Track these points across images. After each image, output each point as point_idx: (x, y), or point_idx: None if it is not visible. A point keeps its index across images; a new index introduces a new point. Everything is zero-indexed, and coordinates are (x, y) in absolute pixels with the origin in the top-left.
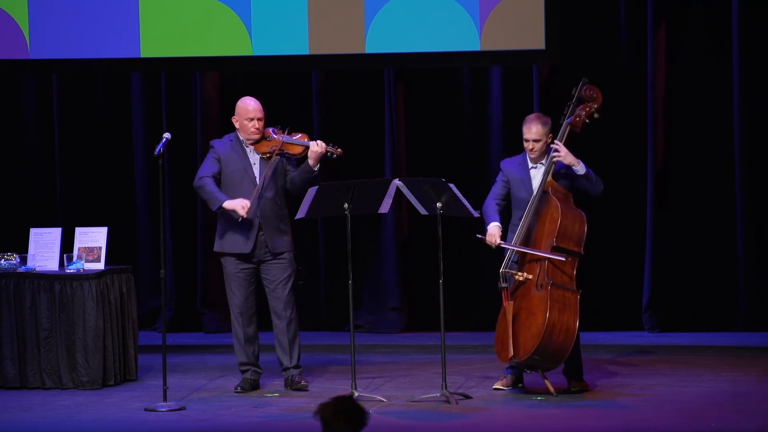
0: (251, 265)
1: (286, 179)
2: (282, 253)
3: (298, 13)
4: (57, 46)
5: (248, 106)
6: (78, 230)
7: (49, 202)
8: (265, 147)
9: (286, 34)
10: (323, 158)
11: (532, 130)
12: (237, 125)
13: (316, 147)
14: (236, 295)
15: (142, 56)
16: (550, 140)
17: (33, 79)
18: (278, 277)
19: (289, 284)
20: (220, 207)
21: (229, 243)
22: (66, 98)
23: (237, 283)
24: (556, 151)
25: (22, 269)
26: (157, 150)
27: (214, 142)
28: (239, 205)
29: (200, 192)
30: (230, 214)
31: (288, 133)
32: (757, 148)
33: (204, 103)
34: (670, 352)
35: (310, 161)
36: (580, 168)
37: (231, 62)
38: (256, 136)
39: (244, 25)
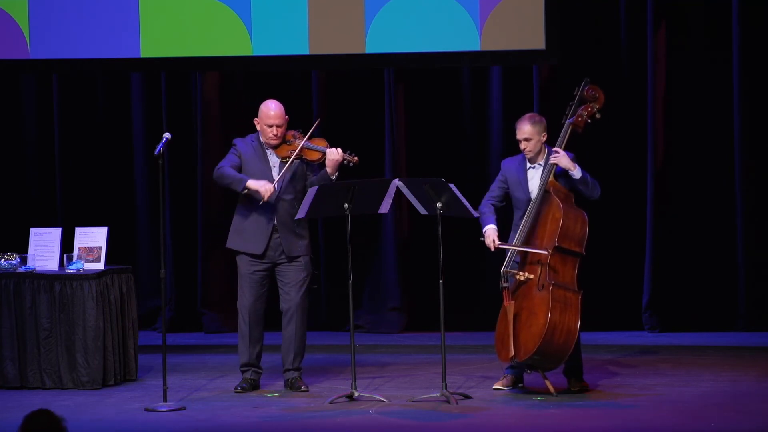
0: (265, 267)
1: (305, 183)
2: (298, 256)
3: (298, 13)
4: (57, 46)
5: (269, 112)
6: (78, 230)
7: (49, 202)
8: (285, 150)
9: (286, 34)
10: (341, 165)
11: (522, 129)
12: (258, 128)
13: (333, 155)
14: (246, 296)
15: (142, 56)
16: (545, 138)
17: (33, 79)
18: (293, 279)
19: (303, 287)
20: (245, 186)
21: (243, 242)
22: (66, 98)
23: (248, 284)
24: (556, 154)
25: (22, 269)
26: (157, 150)
27: (237, 141)
28: (262, 186)
29: (221, 179)
30: (253, 195)
31: (309, 137)
32: (757, 148)
33: (204, 103)
34: (670, 352)
35: (328, 169)
36: (576, 172)
37: (231, 62)
38: (275, 142)
39: (244, 25)
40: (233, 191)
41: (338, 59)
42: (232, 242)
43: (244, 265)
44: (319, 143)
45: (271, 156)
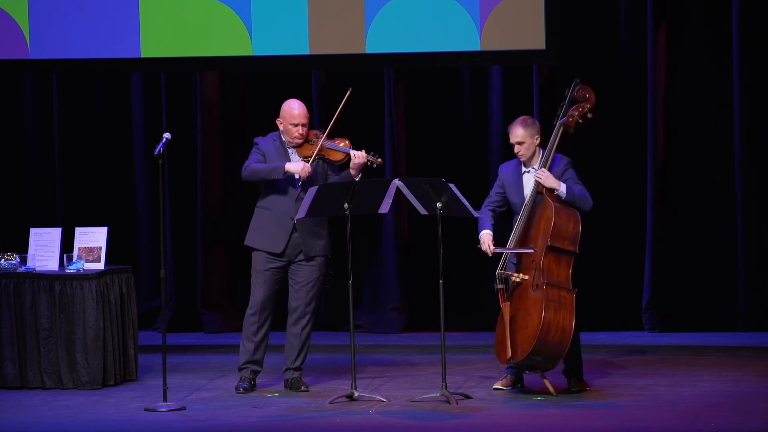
0: (281, 266)
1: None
2: (314, 257)
3: (298, 13)
4: (57, 46)
5: (293, 111)
6: (78, 230)
7: (49, 202)
8: (307, 150)
9: (286, 34)
10: (364, 167)
11: (515, 133)
12: (281, 128)
13: (358, 158)
14: (258, 292)
15: (142, 56)
16: (538, 141)
17: (33, 79)
18: (305, 279)
19: (315, 288)
20: (284, 171)
21: (262, 240)
22: (66, 98)
23: (262, 280)
24: (540, 174)
25: (22, 269)
26: (157, 150)
27: (258, 139)
28: (301, 168)
29: (253, 175)
30: (291, 175)
31: (330, 137)
32: (757, 147)
33: (204, 103)
34: (670, 352)
35: (352, 171)
36: (561, 191)
37: (231, 62)
38: (300, 141)
39: (244, 25)
40: (270, 182)
41: (338, 59)
42: (252, 240)
43: (260, 261)
44: (343, 144)
45: (293, 155)
